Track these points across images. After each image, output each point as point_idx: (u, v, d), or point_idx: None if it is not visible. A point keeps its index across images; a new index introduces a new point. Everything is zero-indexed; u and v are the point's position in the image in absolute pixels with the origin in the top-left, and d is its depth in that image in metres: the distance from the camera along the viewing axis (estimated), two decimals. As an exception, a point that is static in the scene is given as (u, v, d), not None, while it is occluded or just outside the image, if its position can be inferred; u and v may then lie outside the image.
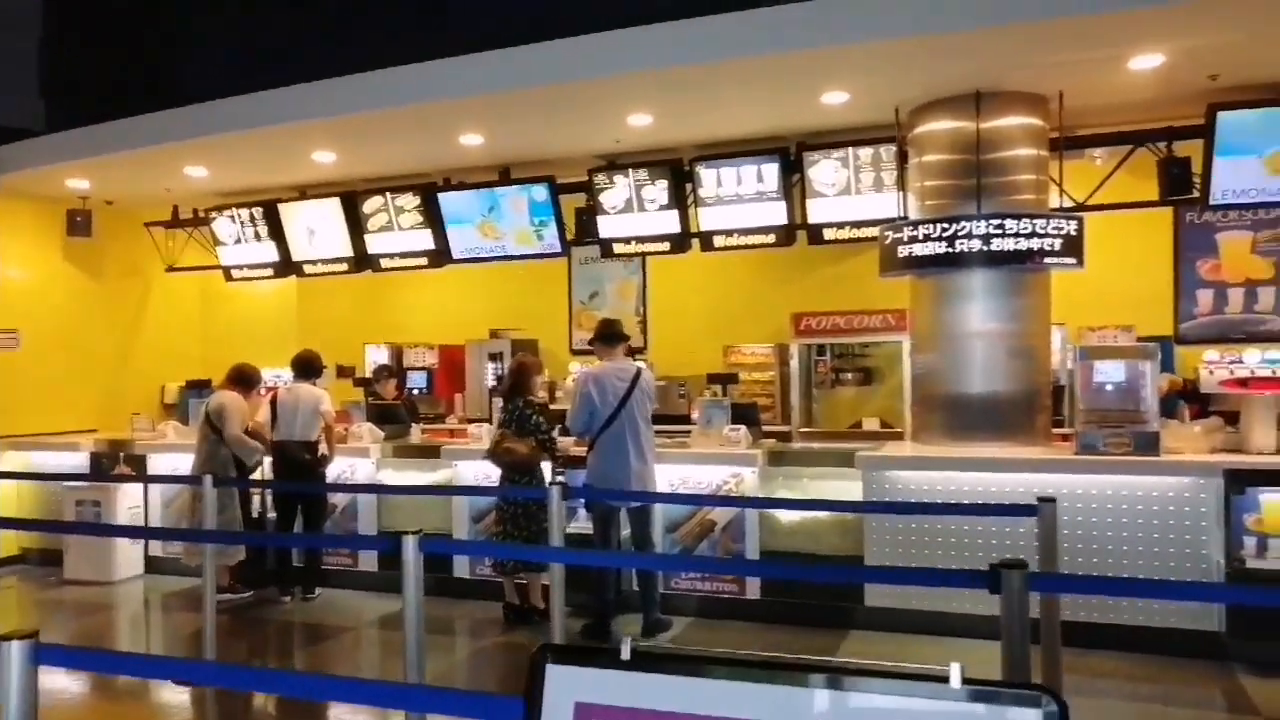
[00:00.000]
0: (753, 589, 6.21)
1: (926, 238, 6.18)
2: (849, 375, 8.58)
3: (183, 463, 7.96)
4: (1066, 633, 3.81)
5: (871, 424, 8.29)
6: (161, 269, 10.26)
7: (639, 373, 6.13)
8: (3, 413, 8.68)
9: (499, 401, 7.38)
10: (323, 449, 7.11)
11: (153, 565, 8.02)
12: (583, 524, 6.69)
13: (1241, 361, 5.44)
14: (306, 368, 7.50)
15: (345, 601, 7.03)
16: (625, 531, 6.16)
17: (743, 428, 6.41)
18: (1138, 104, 6.49)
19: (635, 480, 5.91)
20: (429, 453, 7.26)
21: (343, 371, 10.28)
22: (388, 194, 8.69)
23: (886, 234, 6.51)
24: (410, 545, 3.39)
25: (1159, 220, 8.08)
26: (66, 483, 7.85)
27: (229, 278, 9.70)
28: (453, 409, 9.71)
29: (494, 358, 9.57)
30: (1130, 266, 8.13)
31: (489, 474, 6.92)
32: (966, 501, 5.69)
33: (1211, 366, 5.50)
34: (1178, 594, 4.57)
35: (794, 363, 8.47)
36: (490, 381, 9.52)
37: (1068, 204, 6.64)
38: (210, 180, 8.70)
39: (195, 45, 9.17)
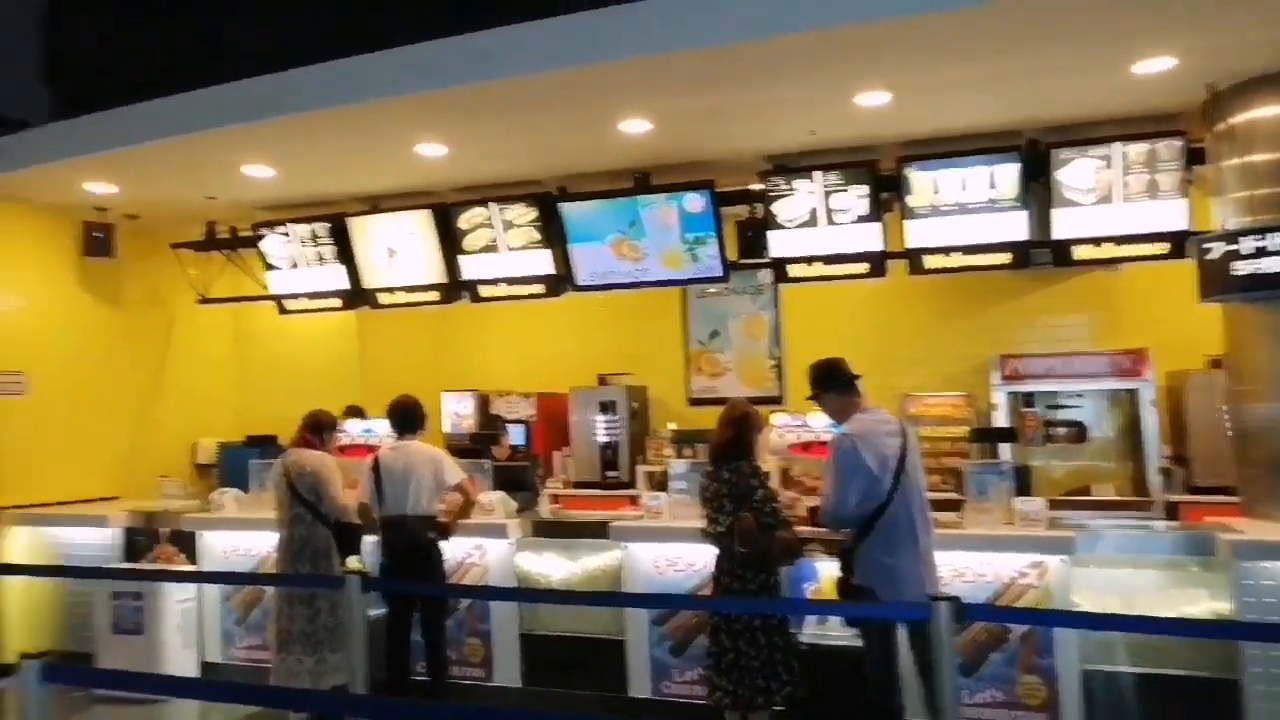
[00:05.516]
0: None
1: (1287, 249, 4.68)
2: (1059, 431, 7.02)
3: (246, 542, 6.23)
4: None
5: (1102, 492, 6.70)
6: (191, 300, 8.49)
7: (903, 426, 4.52)
8: (8, 475, 6.86)
9: (673, 465, 5.74)
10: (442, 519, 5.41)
11: (209, 674, 6.19)
12: (814, 631, 5.04)
13: None
14: (410, 419, 5.77)
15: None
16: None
17: (1038, 500, 4.81)
18: None
19: (929, 575, 4.28)
20: (585, 531, 5.56)
21: (410, 424, 8.54)
22: (493, 205, 7.06)
23: (1208, 246, 5.02)
24: None
25: None
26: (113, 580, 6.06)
27: (283, 310, 7.97)
28: (551, 470, 8.00)
29: (605, 407, 7.90)
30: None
31: (673, 560, 5.26)
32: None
33: None
34: None
35: (998, 415, 6.91)
36: (602, 437, 7.84)
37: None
38: (276, 182, 6.99)
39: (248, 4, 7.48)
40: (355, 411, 7.50)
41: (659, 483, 6.91)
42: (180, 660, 6.07)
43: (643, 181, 6.86)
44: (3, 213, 7.12)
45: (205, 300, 8.49)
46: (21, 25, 7.99)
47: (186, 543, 6.34)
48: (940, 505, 5.27)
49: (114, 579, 6.16)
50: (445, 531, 5.43)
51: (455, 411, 8.27)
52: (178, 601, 6.07)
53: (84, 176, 6.83)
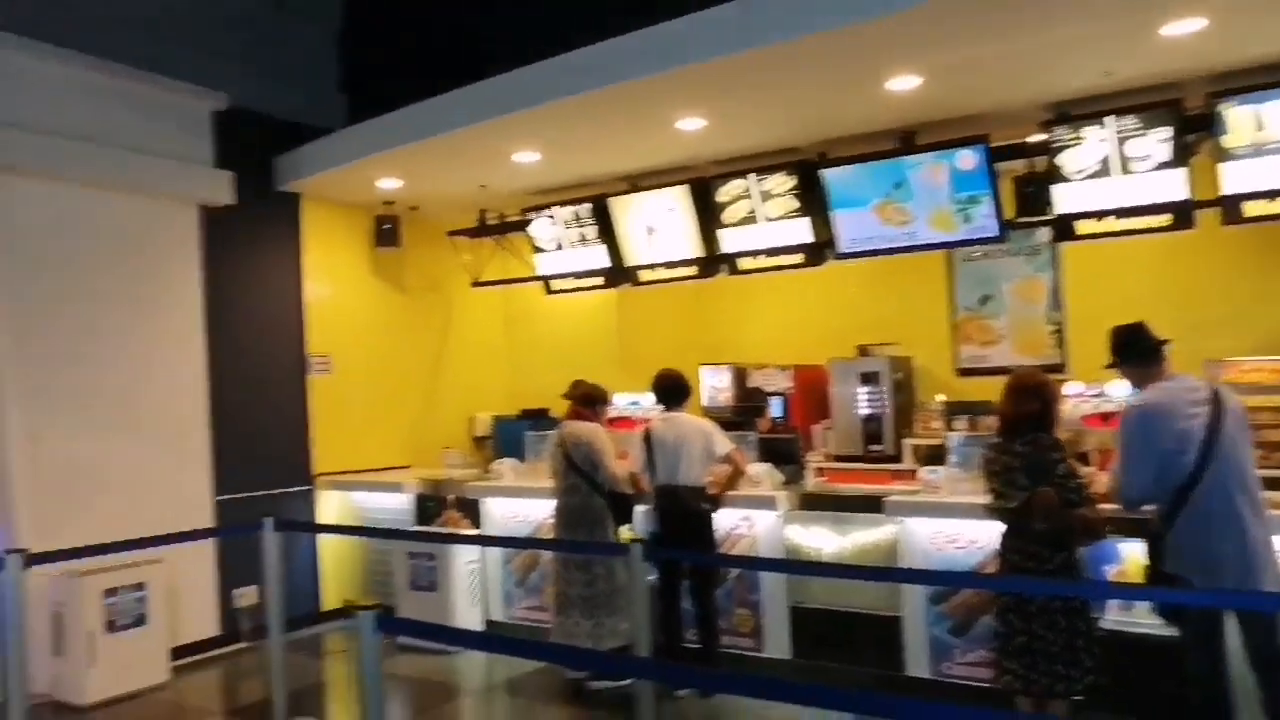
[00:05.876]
0: None
1: None
2: None
3: (524, 509, 6.58)
4: None
5: None
6: (465, 284, 9.08)
7: (1217, 395, 4.00)
8: (322, 446, 7.68)
9: (951, 438, 5.44)
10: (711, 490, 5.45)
11: (493, 631, 6.63)
12: (1116, 617, 4.60)
13: None
14: (675, 391, 5.85)
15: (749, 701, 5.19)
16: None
17: None
18: None
19: (1262, 563, 3.77)
20: (856, 504, 5.39)
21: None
22: (751, 176, 6.97)
23: None
24: None
25: None
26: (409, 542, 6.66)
27: (549, 290, 8.33)
28: (810, 444, 7.83)
29: (867, 379, 7.63)
30: None
31: (952, 537, 4.97)
32: None
33: None
34: None
35: (1336, 382, 6.00)
36: (864, 409, 7.58)
37: None
38: (542, 167, 7.28)
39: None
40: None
41: (927, 456, 6.60)
42: (467, 617, 6.52)
43: (908, 141, 6.52)
44: (313, 211, 7.90)
45: (478, 284, 9.04)
46: (323, 45, 8.80)
47: (470, 509, 6.79)
48: (1270, 484, 4.65)
49: (410, 539, 6.69)
50: (715, 502, 5.46)
51: (712, 385, 8.28)
52: (465, 563, 6.51)
53: (376, 174, 7.43)
